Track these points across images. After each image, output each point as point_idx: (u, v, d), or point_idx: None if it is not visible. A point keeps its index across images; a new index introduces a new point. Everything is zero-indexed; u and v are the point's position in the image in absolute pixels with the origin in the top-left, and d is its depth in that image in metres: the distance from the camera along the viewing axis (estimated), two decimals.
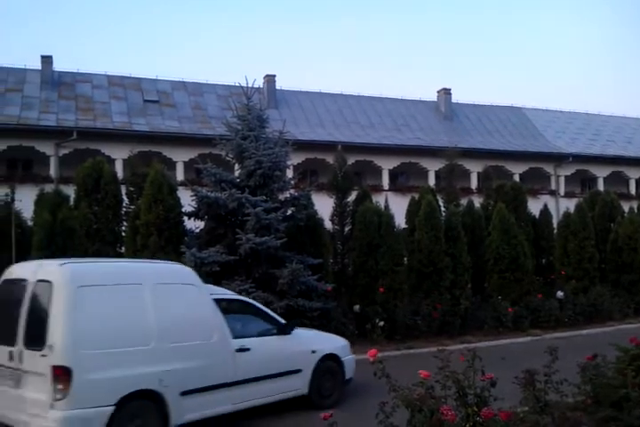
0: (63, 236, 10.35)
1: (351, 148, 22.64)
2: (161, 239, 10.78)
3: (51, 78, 25.05)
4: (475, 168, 26.08)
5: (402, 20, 74.65)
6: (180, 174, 22.45)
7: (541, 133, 31.83)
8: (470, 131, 30.42)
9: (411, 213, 14.64)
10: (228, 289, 10.38)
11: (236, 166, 13.01)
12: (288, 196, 12.31)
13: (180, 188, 12.60)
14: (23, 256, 13.01)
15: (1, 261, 13.49)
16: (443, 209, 15.18)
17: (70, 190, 13.21)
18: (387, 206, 14.26)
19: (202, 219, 11.82)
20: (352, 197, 14.69)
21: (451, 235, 13.84)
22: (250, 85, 12.45)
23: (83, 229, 11.42)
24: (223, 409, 6.53)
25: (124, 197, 12.97)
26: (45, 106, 23.78)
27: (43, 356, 5.42)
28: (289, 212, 12.01)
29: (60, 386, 5.30)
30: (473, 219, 15.43)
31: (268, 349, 7.16)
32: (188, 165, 23.23)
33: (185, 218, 11.76)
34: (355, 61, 70.82)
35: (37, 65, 25.48)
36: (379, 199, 15.21)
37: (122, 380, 5.65)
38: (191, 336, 6.36)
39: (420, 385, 4.08)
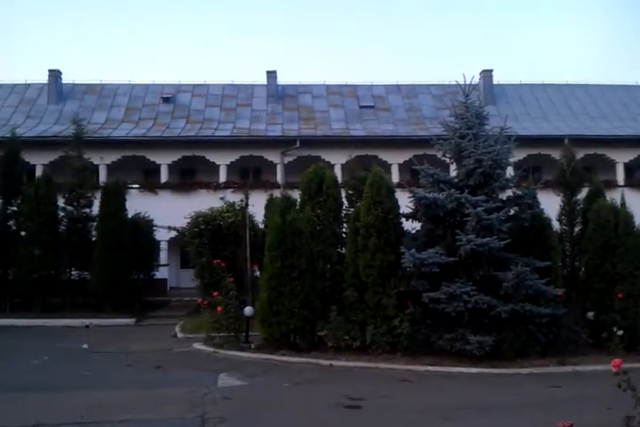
0: (292, 237, 10.95)
1: (580, 141, 20.94)
2: (380, 240, 10.88)
3: (275, 92, 27.06)
4: None
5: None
6: (394, 176, 22.68)
7: None
8: None
9: None
10: (448, 291, 10.19)
11: (452, 167, 12.74)
12: (510, 195, 11.68)
13: (396, 190, 12.66)
14: (255, 256, 14.24)
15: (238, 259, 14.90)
16: None
17: (295, 195, 14.04)
18: (623, 204, 12.84)
19: (419, 220, 11.71)
20: (582, 194, 13.54)
21: None
22: (467, 82, 12.10)
23: (307, 231, 11.98)
24: None
25: (344, 200, 13.39)
26: (272, 118, 25.73)
27: None
28: (511, 211, 11.39)
29: None
30: None
31: None
32: (403, 167, 23.41)
33: (402, 219, 11.79)
34: (580, 47, 65.59)
35: (263, 80, 27.70)
36: (613, 196, 13.81)
37: None
38: None
39: None
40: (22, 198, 17.85)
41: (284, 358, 10.56)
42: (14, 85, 28.05)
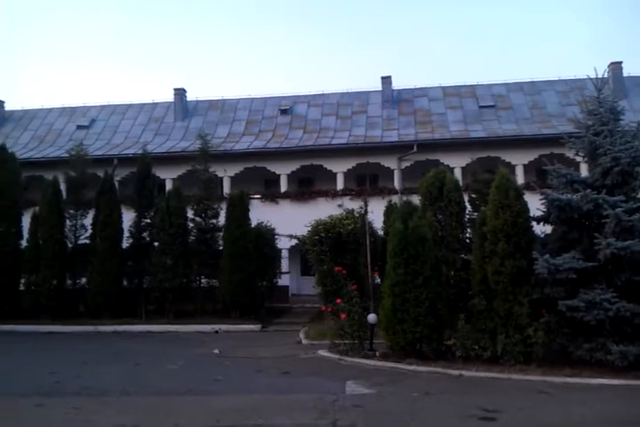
0: (415, 243, 10.72)
1: None
2: (509, 245, 10.37)
3: (390, 97, 26.91)
4: None
5: None
6: (520, 178, 21.71)
7: None
8: None
9: None
10: (587, 299, 9.50)
11: (583, 166, 11.97)
12: None
13: (523, 191, 12.06)
14: (376, 263, 14.13)
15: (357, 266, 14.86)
16: None
17: (414, 200, 13.76)
18: None
19: (552, 223, 11.05)
20: None
21: None
22: (597, 76, 11.33)
23: (430, 237, 11.69)
24: None
25: (467, 204, 12.96)
26: (387, 123, 25.59)
27: None
28: None
29: None
30: None
31: None
32: (528, 168, 22.38)
33: (533, 223, 11.20)
34: None
35: (378, 86, 27.65)
36: None
37: None
38: None
39: None
40: (155, 211, 18.94)
41: (412, 367, 10.33)
42: (143, 105, 29.98)
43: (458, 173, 21.30)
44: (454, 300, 11.40)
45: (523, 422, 7.12)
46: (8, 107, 30.94)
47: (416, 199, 13.36)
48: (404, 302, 10.67)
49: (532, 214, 10.97)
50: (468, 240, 12.43)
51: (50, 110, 30.53)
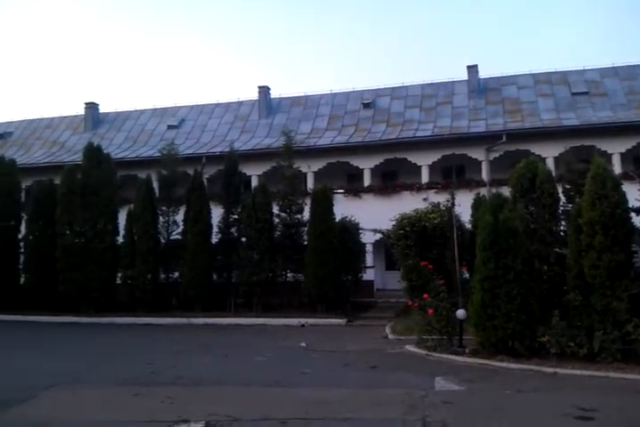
0: (506, 236, 10.36)
1: None
2: (607, 238, 9.83)
3: (477, 86, 26.19)
4: None
5: None
6: (616, 167, 20.59)
7: None
8: None
9: None
10: None
11: None
12: None
13: (621, 182, 11.40)
14: (464, 257, 13.77)
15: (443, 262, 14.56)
16: None
17: (503, 192, 13.29)
18: None
19: None
20: None
21: None
22: None
23: (521, 230, 11.27)
24: None
25: (560, 196, 12.40)
26: (474, 113, 24.93)
27: None
28: None
29: None
30: None
31: None
32: (625, 157, 21.22)
33: (631, 214, 10.57)
34: None
35: (463, 76, 26.99)
36: None
37: None
38: None
39: None
40: (241, 207, 19.37)
41: (503, 364, 10.00)
42: (229, 104, 30.71)
43: (550, 164, 20.47)
44: (547, 295, 10.93)
45: (621, 422, 6.74)
46: (102, 109, 32.55)
47: (506, 191, 12.90)
48: (495, 298, 10.35)
49: (630, 205, 10.41)
50: (562, 233, 11.91)
51: (142, 112, 31.85)
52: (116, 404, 7.72)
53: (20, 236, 21.01)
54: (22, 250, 20.84)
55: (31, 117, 33.71)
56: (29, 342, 14.28)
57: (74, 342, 14.29)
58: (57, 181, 20.72)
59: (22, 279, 20.55)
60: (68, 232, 19.73)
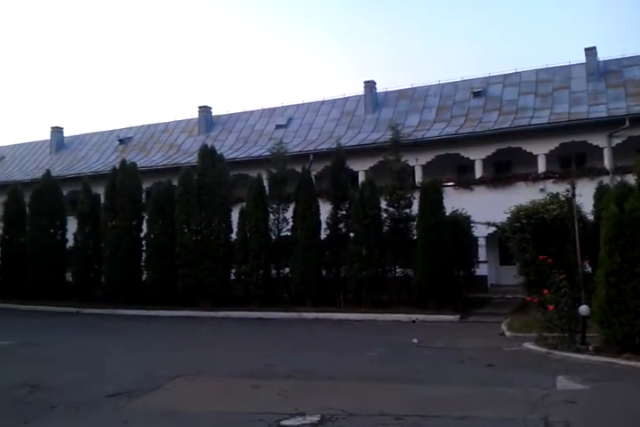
0: (632, 228, 9.60)
1: None
2: None
3: (596, 69, 24.61)
4: None
5: None
6: None
7: None
8: None
9: None
10: None
11: None
12: None
13: None
14: (586, 250, 12.97)
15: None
16: None
17: (628, 180, 12.35)
18: None
19: None
20: None
21: None
22: None
23: None
24: None
25: None
26: (594, 98, 23.48)
27: None
28: None
29: None
30: None
31: None
32: None
33: None
34: None
35: (581, 59, 25.46)
36: None
37: None
38: None
39: None
40: (349, 203, 19.40)
41: (630, 363, 9.29)
42: (335, 100, 30.85)
43: None
44: None
45: None
46: (215, 112, 33.79)
47: (631, 179, 11.96)
48: (621, 293, 9.65)
49: None
50: None
51: (251, 113, 32.75)
52: (236, 395, 7.92)
53: (141, 235, 22.27)
54: (144, 248, 22.08)
55: (149, 122, 35.63)
56: (155, 335, 15.12)
57: (194, 336, 14.91)
58: (174, 182, 21.74)
59: (144, 276, 21.79)
60: (185, 231, 20.69)
